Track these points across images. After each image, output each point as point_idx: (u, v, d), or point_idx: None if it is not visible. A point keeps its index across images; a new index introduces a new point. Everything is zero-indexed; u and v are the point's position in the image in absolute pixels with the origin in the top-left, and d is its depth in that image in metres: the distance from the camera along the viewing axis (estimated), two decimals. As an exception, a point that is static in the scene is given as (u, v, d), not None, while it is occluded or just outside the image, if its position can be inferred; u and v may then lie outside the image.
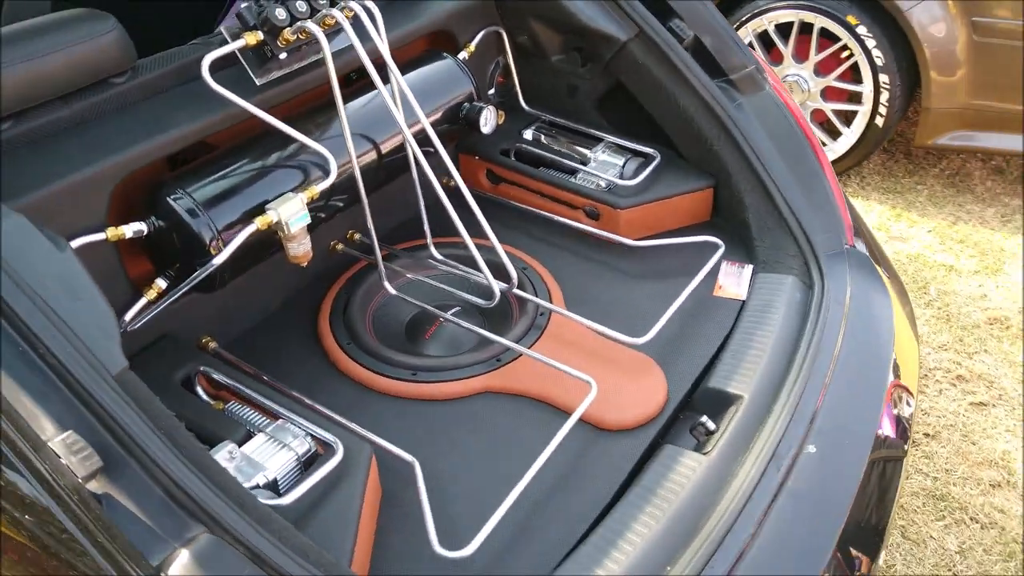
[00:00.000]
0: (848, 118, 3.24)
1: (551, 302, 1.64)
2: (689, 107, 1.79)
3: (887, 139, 3.27)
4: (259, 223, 1.34)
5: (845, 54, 3.12)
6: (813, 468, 1.29)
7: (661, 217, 1.83)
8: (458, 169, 2.02)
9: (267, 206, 1.37)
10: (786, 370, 1.44)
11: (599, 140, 1.97)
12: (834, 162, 3.31)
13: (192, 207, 1.32)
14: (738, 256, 1.77)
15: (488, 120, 1.75)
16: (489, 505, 1.26)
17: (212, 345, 1.50)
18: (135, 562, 0.85)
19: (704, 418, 1.38)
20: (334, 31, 1.44)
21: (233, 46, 1.36)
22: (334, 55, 1.41)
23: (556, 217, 1.88)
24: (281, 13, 1.37)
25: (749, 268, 1.72)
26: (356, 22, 1.45)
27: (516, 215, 1.93)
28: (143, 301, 1.36)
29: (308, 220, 1.39)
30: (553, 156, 1.93)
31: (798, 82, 3.24)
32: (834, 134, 3.28)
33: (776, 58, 3.28)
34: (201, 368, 1.35)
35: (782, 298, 1.59)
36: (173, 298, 1.34)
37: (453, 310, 1.66)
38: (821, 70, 3.22)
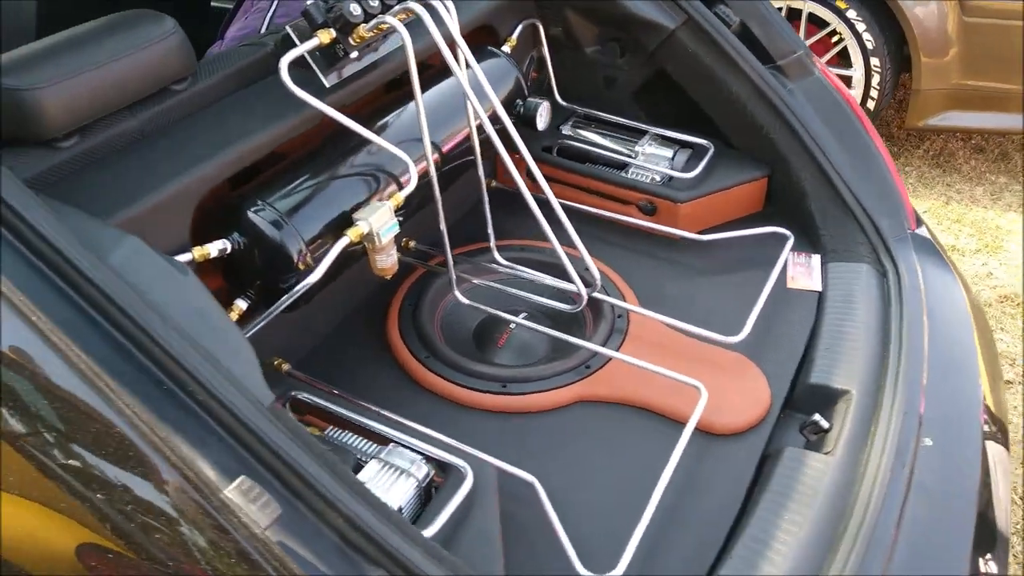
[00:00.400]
0: (839, 103, 3.29)
1: (625, 303, 1.59)
2: (742, 94, 1.77)
3: (876, 121, 3.34)
4: (351, 235, 1.25)
5: (835, 39, 3.17)
6: (934, 461, 1.28)
7: (718, 209, 1.81)
8: (496, 170, 1.96)
9: (355, 216, 1.28)
10: (883, 362, 1.43)
11: (642, 133, 1.93)
12: (827, 147, 3.36)
13: (277, 219, 1.23)
14: (801, 246, 1.76)
15: (543, 116, 1.69)
16: (618, 521, 1.21)
17: (285, 367, 1.40)
18: None
19: (816, 416, 1.36)
20: (429, 19, 1.35)
21: (307, 46, 1.27)
22: (384, 60, 1.33)
23: (609, 214, 1.83)
24: (356, 9, 1.28)
25: (817, 258, 1.71)
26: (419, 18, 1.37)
27: (570, 215, 1.88)
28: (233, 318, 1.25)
29: (397, 229, 1.31)
30: (599, 151, 1.88)
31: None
32: (826, 119, 3.33)
33: (766, 45, 3.31)
34: (292, 393, 1.26)
35: (861, 288, 1.58)
36: (264, 322, 1.24)
37: (522, 315, 1.60)
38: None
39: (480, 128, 1.52)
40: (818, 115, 1.78)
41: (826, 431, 1.34)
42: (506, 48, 1.81)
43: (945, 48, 2.98)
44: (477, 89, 1.56)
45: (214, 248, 1.19)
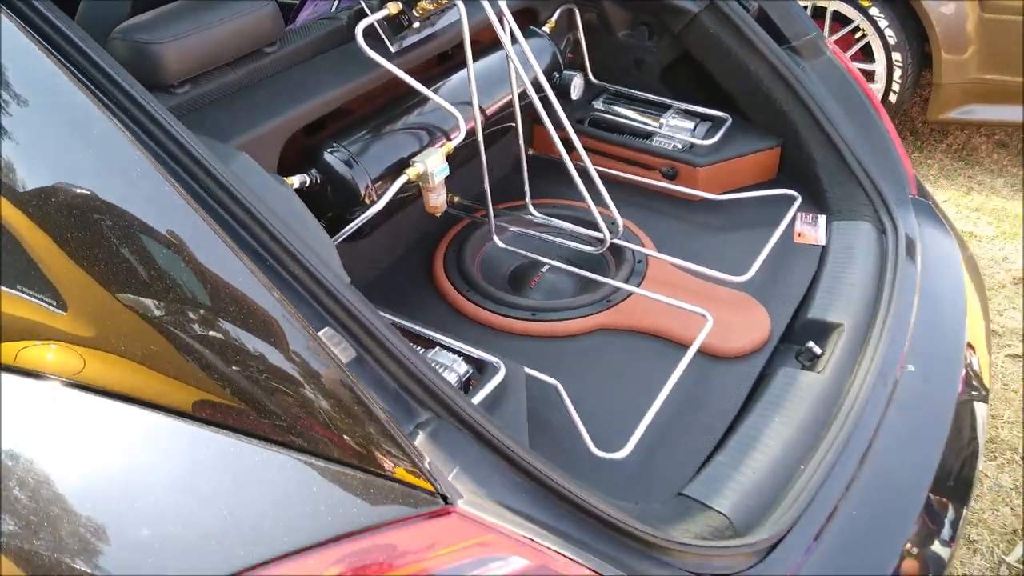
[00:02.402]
0: (863, 97, 3.52)
1: (644, 248, 1.84)
2: (759, 72, 2.01)
3: (898, 115, 3.54)
4: (410, 174, 1.52)
5: (858, 35, 3.39)
6: (916, 384, 1.50)
7: (734, 174, 2.05)
8: (532, 139, 2.22)
9: (413, 159, 1.55)
10: (876, 301, 1.65)
11: (667, 107, 2.19)
12: (851, 139, 3.58)
13: (348, 159, 1.50)
14: (809, 207, 1.99)
15: (578, 87, 1.95)
16: (628, 420, 1.45)
17: None
18: (400, 435, 1.00)
19: (810, 343, 1.59)
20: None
21: (379, 15, 1.55)
22: (455, 26, 1.60)
23: (635, 177, 2.08)
24: (420, -17, 1.56)
25: (823, 217, 1.95)
26: None
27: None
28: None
29: (448, 172, 1.57)
30: (627, 122, 2.14)
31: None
32: (850, 112, 3.55)
33: (793, 41, 3.55)
34: None
35: (862, 241, 1.81)
36: (337, 242, 1.51)
37: (551, 263, 1.85)
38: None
39: (523, 95, 1.79)
40: (828, 91, 2.01)
41: (818, 356, 1.57)
42: (546, 29, 2.07)
43: (965, 44, 3.20)
44: (522, 61, 1.83)
45: (296, 180, 1.47)
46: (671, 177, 2.06)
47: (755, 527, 1.24)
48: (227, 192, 1.05)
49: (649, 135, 2.11)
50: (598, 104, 2.23)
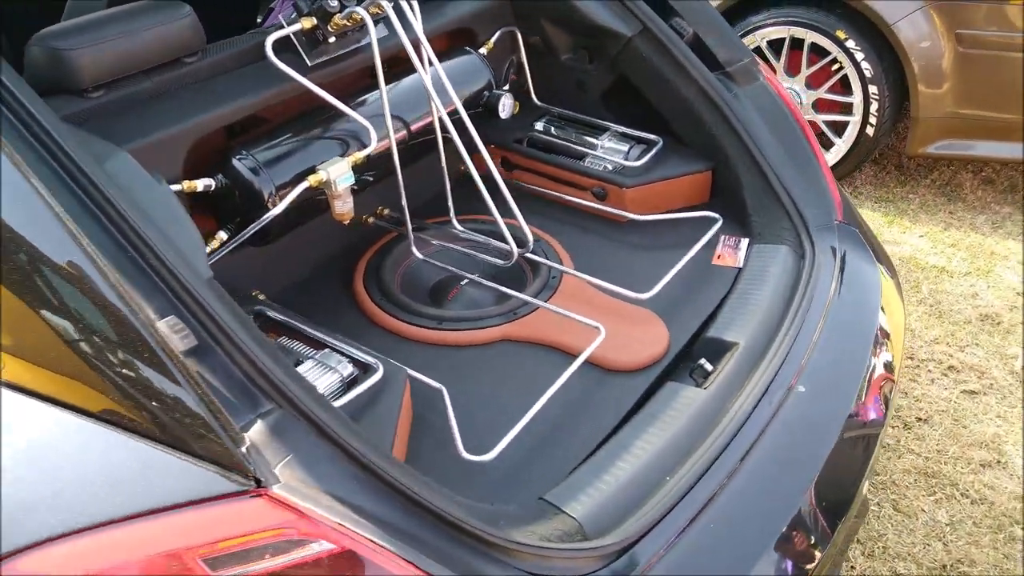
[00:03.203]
0: (839, 129, 3.54)
1: (559, 264, 1.89)
2: (690, 96, 2.07)
3: (877, 148, 3.56)
4: (311, 180, 1.60)
5: (835, 67, 3.43)
6: (804, 404, 1.52)
7: (664, 196, 2.10)
8: (474, 157, 2.30)
9: (318, 167, 1.62)
10: (780, 322, 1.68)
11: (605, 129, 2.25)
12: (829, 171, 3.60)
13: (254, 166, 1.58)
14: (736, 232, 2.03)
15: (506, 106, 2.02)
16: (508, 426, 1.49)
17: (260, 298, 1.74)
18: (223, 420, 1.06)
19: (702, 360, 1.62)
20: (378, 20, 1.72)
21: (290, 29, 1.64)
22: (366, 47, 1.68)
23: (566, 196, 2.14)
24: (333, 0, 1.64)
25: (746, 241, 1.98)
26: (397, 13, 1.73)
27: (529, 198, 2.20)
28: (207, 250, 1.60)
29: (352, 181, 1.65)
30: (563, 143, 2.20)
31: (790, 95, 3.55)
32: (827, 145, 3.58)
33: (771, 72, 3.60)
34: (256, 308, 1.60)
35: (777, 264, 1.84)
36: (233, 245, 1.59)
37: (471, 277, 1.91)
38: (812, 83, 3.53)
39: (453, 112, 1.85)
40: (760, 117, 2.06)
41: (710, 373, 1.60)
42: (483, 50, 2.15)
43: (941, 78, 3.22)
44: (441, 81, 1.91)
45: (200, 183, 1.55)
46: (601, 197, 2.12)
47: (607, 533, 1.27)
48: (93, 185, 1.13)
49: (583, 156, 2.17)
50: (539, 125, 2.30)
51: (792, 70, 3.55)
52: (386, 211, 2.05)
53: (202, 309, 1.12)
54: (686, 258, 1.83)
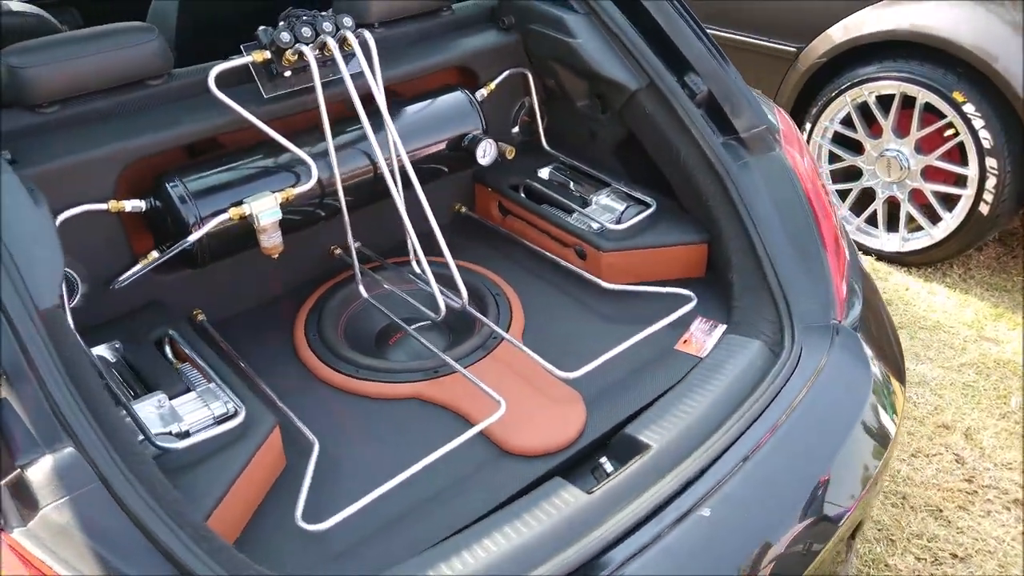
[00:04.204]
0: (951, 202, 3.16)
1: (508, 329, 1.80)
2: (689, 161, 1.91)
3: (995, 229, 3.15)
4: (232, 213, 1.62)
5: (950, 132, 3.07)
6: (700, 532, 1.33)
7: (648, 265, 1.95)
8: (474, 198, 2.25)
9: (245, 200, 1.65)
10: (713, 429, 1.50)
11: (607, 185, 2.12)
12: (931, 248, 3.23)
13: (183, 194, 1.63)
14: (717, 315, 1.85)
15: (487, 152, 1.96)
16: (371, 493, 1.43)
17: (200, 318, 1.79)
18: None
19: (604, 459, 1.48)
20: (340, 57, 1.71)
21: (240, 61, 1.67)
22: (335, 82, 1.68)
23: (545, 252, 2.05)
24: (286, 36, 1.66)
25: (721, 328, 1.80)
26: (363, 50, 1.73)
27: (517, 247, 2.12)
28: (137, 267, 1.67)
29: (279, 216, 1.66)
30: (556, 195, 2.11)
31: (897, 158, 3.21)
32: (934, 218, 3.21)
33: (876, 131, 3.27)
34: (170, 332, 1.64)
35: (741, 360, 1.64)
36: (154, 265, 1.65)
37: (421, 323, 1.86)
38: (923, 148, 3.18)
39: (432, 157, 1.80)
40: (768, 191, 1.86)
41: (608, 475, 1.46)
42: (484, 92, 2.10)
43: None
44: (423, 120, 1.88)
45: (128, 204, 1.61)
46: (582, 258, 2.00)
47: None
48: None
49: (571, 211, 2.06)
50: (543, 172, 2.22)
51: (902, 131, 3.21)
52: (338, 251, 2.05)
53: (17, 336, 1.15)
54: (630, 341, 1.69)
